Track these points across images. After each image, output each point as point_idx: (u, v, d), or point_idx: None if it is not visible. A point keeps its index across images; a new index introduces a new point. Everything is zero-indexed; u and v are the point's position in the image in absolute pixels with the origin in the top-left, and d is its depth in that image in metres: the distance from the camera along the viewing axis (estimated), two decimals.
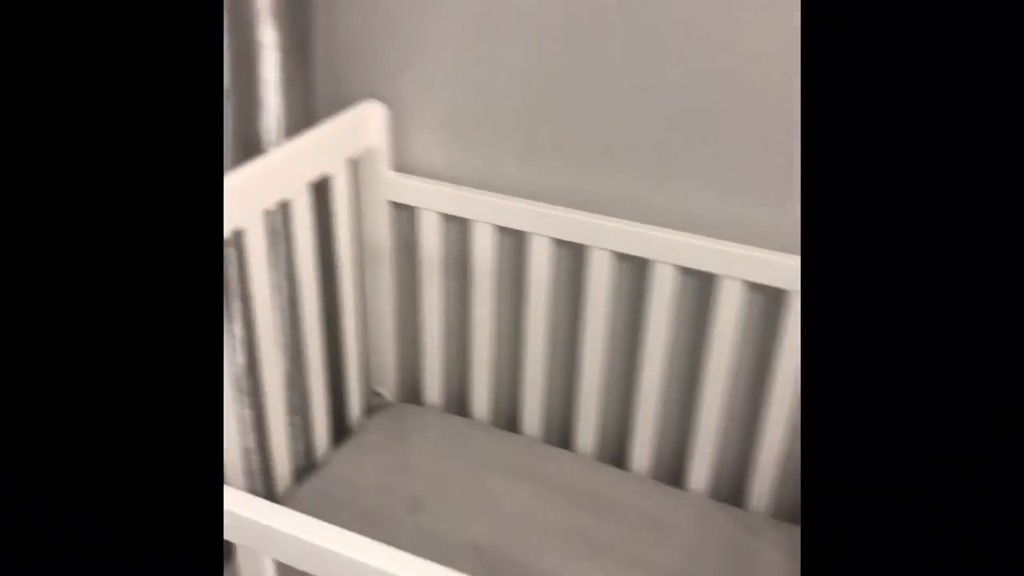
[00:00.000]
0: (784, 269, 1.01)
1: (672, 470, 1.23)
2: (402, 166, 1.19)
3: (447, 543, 1.06)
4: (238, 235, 1.00)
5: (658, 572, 1.03)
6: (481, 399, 1.27)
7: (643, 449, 1.19)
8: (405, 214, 1.22)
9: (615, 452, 1.26)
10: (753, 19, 0.95)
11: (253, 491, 1.17)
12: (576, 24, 1.03)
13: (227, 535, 0.74)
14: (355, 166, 1.17)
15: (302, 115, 1.08)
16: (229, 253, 1.02)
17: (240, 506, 0.72)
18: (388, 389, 1.33)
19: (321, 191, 1.13)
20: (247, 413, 1.11)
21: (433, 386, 1.30)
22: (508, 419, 1.31)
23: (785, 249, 1.02)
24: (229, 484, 1.03)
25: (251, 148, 1.02)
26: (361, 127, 1.12)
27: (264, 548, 0.73)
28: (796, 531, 1.10)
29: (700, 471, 1.17)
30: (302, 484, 1.15)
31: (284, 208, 1.07)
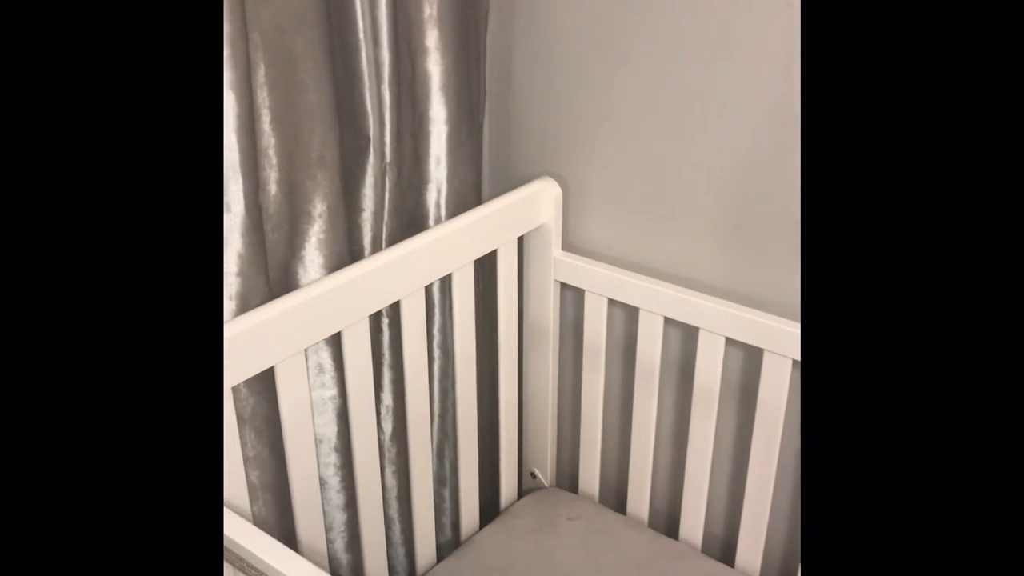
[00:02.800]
0: None
1: None
2: (572, 246, 1.16)
3: None
4: (395, 307, 1.00)
5: None
6: (640, 496, 1.19)
7: None
8: (572, 295, 1.18)
9: (782, 573, 1.13)
10: None
11: (392, 561, 1.16)
12: (771, 117, 0.95)
13: None
14: (524, 243, 1.15)
15: (471, 192, 1.07)
16: (383, 323, 1.03)
17: None
18: (544, 472, 1.28)
19: (486, 266, 1.12)
20: (393, 483, 1.10)
21: (590, 475, 1.24)
22: (668, 522, 1.22)
23: None
24: (367, 550, 1.03)
25: (414, 224, 1.03)
26: (533, 204, 1.10)
27: None
28: None
29: None
30: (442, 561, 1.13)
31: (445, 280, 1.07)
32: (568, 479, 1.30)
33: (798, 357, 0.97)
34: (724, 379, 1.07)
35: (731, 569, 1.12)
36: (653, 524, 1.22)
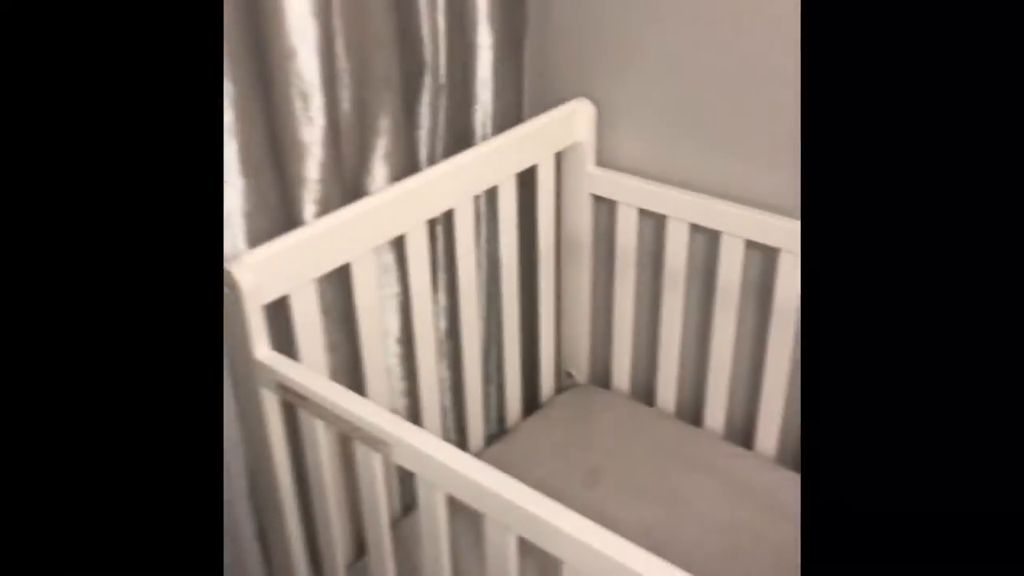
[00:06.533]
0: None
1: None
2: (605, 162, 1.27)
3: (618, 519, 1.12)
4: (448, 215, 1.12)
5: None
6: (667, 390, 1.32)
7: None
8: (605, 207, 1.30)
9: (795, 455, 1.26)
10: None
11: None
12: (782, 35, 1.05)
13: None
14: (561, 160, 1.26)
15: (513, 112, 1.18)
16: (437, 230, 1.15)
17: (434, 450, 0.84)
18: (579, 371, 1.41)
19: (527, 181, 1.23)
20: (447, 375, 1.23)
21: (622, 373, 1.36)
22: (692, 412, 1.35)
23: None
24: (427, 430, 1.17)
25: (463, 140, 1.14)
26: (569, 123, 1.21)
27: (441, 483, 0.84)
28: None
29: None
30: (490, 446, 1.26)
31: (491, 193, 1.18)
32: (602, 377, 1.43)
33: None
34: (741, 280, 1.19)
35: (749, 451, 1.25)
36: (679, 415, 1.35)
